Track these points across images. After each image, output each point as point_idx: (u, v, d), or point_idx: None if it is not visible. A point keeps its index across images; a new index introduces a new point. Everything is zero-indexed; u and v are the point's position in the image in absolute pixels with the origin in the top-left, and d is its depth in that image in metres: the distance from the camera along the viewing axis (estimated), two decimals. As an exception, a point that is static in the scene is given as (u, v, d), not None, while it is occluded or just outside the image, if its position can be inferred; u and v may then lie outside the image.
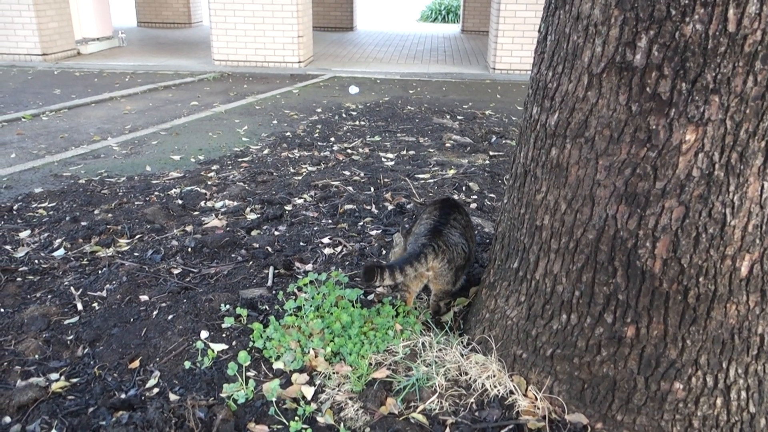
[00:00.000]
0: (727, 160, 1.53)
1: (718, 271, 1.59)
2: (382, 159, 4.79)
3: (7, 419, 1.86)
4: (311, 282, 2.52)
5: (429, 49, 12.37)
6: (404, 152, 4.99)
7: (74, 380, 2.06)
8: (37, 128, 5.85)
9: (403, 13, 21.15)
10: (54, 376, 2.08)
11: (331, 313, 2.27)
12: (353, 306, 2.34)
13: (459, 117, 6.44)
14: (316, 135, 5.62)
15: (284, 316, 2.30)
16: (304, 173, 4.42)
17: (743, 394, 1.69)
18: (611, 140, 1.64)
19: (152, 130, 5.81)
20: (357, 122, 6.15)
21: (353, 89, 7.94)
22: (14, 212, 3.60)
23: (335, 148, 5.16)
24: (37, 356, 2.18)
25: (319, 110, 6.76)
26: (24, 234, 3.27)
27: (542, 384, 1.88)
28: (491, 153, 4.98)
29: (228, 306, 2.44)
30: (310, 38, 10.26)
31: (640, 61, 1.55)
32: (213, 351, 2.17)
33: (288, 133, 5.69)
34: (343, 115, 6.48)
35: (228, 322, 2.31)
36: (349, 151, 5.06)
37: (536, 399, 1.87)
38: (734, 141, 1.51)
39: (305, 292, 2.46)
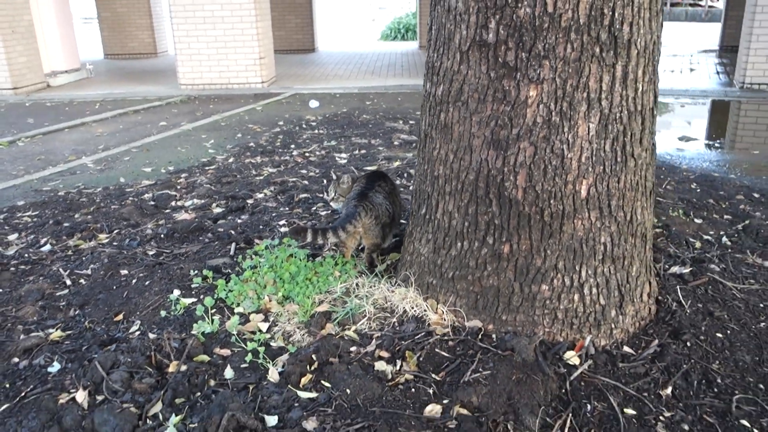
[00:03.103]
0: (560, 109, 2.04)
1: (563, 194, 2.10)
2: (336, 158, 5.28)
3: (15, 359, 2.28)
4: (266, 248, 2.98)
5: (387, 65, 12.97)
6: (356, 152, 5.49)
7: (69, 332, 2.48)
8: (14, 153, 6.24)
9: (365, 34, 21.85)
10: (51, 330, 2.50)
11: (282, 267, 2.73)
12: (301, 261, 2.80)
13: (410, 121, 6.97)
14: (278, 144, 6.10)
15: (243, 273, 2.75)
16: (266, 174, 4.89)
17: (594, 290, 2.19)
18: (479, 101, 2.14)
19: (124, 148, 6.23)
20: (316, 131, 6.65)
21: (313, 103, 8.44)
22: (0, 221, 3.99)
23: (295, 153, 5.63)
24: (35, 318, 2.60)
25: (281, 123, 7.24)
26: (12, 237, 3.67)
27: (448, 301, 2.36)
28: (436, 148, 5.49)
29: (196, 271, 2.89)
30: (272, 59, 10.78)
31: (492, 38, 2.06)
32: (184, 303, 2.61)
33: (251, 144, 6.15)
34: (303, 126, 6.97)
35: (196, 282, 2.76)
36: (306, 154, 5.54)
37: (443, 314, 2.34)
38: (563, 94, 2.02)
39: (261, 256, 2.91)
